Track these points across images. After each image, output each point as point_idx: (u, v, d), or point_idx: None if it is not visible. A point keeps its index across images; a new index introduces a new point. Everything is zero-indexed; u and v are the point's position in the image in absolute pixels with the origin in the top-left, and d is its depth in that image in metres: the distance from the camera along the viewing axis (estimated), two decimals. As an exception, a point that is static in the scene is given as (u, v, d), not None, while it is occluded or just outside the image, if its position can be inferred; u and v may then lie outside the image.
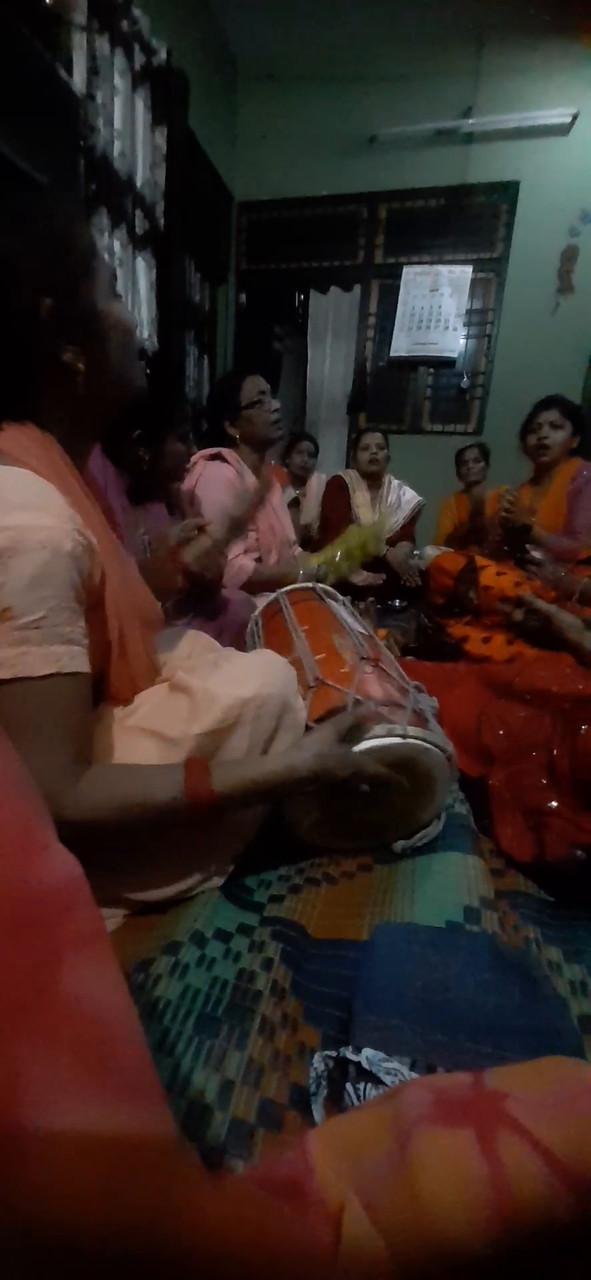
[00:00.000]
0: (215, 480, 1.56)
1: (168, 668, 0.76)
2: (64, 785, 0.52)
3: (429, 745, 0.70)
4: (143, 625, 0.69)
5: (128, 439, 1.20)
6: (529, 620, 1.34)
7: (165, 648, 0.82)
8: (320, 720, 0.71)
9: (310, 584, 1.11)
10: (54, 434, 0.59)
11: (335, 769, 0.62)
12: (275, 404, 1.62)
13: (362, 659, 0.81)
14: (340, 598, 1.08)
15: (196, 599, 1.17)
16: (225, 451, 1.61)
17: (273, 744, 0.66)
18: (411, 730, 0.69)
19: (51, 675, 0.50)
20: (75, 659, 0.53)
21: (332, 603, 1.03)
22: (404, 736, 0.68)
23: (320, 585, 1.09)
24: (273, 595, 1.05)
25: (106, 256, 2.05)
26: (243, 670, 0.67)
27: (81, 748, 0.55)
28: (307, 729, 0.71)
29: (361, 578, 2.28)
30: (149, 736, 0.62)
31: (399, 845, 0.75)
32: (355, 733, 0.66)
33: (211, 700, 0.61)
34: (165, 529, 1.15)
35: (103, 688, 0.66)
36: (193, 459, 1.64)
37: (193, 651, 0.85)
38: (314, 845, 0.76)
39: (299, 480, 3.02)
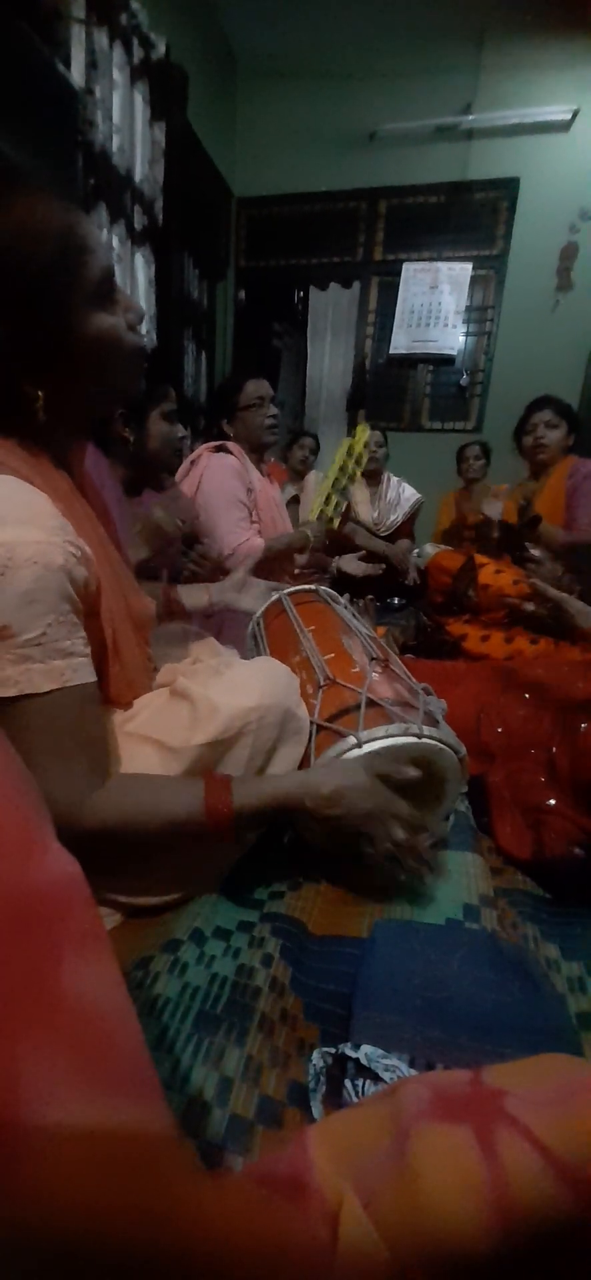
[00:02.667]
0: (221, 468, 1.57)
1: (168, 670, 0.75)
2: (83, 795, 0.52)
3: (443, 746, 0.69)
4: (135, 628, 0.68)
5: (109, 420, 1.19)
6: (540, 609, 1.34)
7: (165, 647, 0.81)
8: (332, 719, 0.71)
9: (312, 586, 1.10)
10: (37, 442, 0.56)
11: (357, 802, 0.60)
12: (273, 410, 1.61)
13: (372, 659, 0.81)
14: (341, 600, 1.07)
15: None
16: (229, 444, 1.62)
17: (275, 753, 0.66)
18: (427, 730, 0.68)
19: (56, 690, 0.50)
20: (78, 670, 0.52)
21: (336, 605, 1.03)
22: (419, 736, 0.68)
23: (324, 589, 1.09)
24: (274, 596, 1.05)
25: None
26: (244, 678, 0.66)
27: (96, 756, 0.55)
28: (316, 726, 0.71)
29: (360, 569, 2.28)
30: (149, 744, 0.62)
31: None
32: (388, 777, 0.63)
33: (213, 710, 0.61)
34: (149, 512, 1.14)
35: (101, 691, 0.65)
36: (197, 452, 1.64)
37: (194, 653, 0.84)
38: (322, 850, 0.75)
39: (298, 476, 3.01)
